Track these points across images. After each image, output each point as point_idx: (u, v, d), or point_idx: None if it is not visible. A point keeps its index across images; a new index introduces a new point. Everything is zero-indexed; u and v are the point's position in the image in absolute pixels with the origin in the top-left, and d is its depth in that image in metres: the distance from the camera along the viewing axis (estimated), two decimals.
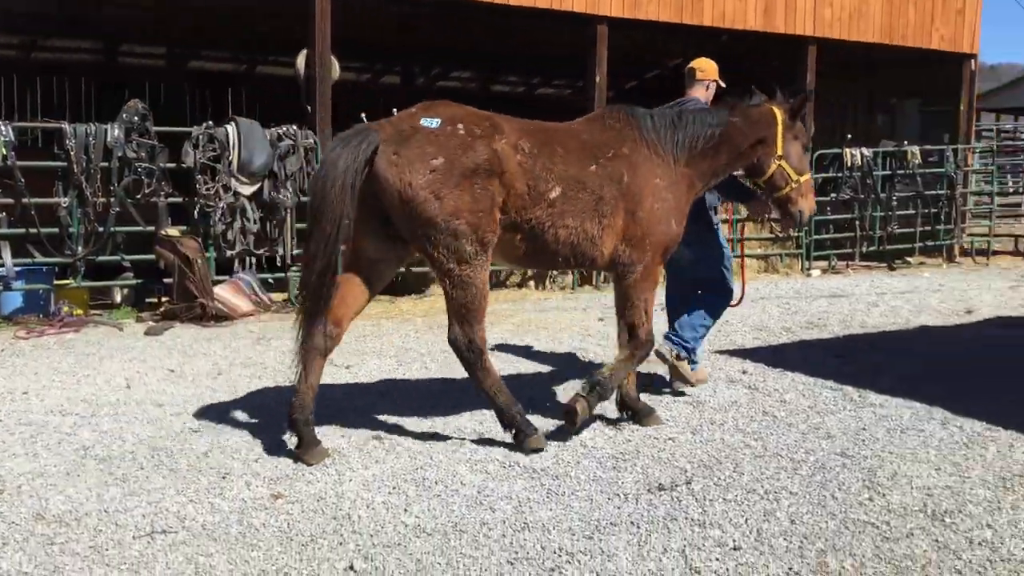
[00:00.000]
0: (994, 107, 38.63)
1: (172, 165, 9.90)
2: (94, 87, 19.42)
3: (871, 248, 15.07)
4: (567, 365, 7.55)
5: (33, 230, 9.31)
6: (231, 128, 10.04)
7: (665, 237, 5.54)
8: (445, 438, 5.48)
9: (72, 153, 9.26)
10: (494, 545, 4.00)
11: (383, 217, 5.04)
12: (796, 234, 13.72)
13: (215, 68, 20.56)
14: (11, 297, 9.35)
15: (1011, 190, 20.81)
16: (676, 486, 4.70)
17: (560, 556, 3.90)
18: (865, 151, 14.55)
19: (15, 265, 9.31)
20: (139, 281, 10.07)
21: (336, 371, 7.27)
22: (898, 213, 14.89)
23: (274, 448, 5.27)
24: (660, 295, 6.18)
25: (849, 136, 15.72)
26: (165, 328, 8.93)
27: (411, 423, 5.78)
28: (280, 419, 5.84)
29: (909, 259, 15.60)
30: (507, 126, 5.18)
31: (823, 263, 14.56)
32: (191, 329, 9.02)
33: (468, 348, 5.13)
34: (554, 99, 24.85)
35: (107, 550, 3.94)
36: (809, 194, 6.01)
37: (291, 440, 5.20)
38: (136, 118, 9.59)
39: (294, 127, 10.60)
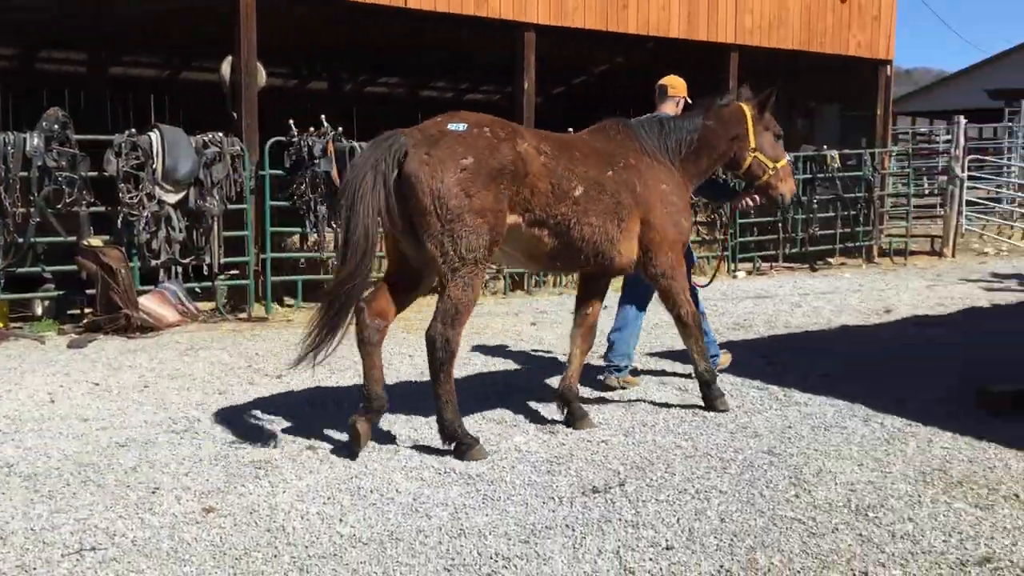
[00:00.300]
0: (910, 111, 39.84)
1: (94, 174, 9.68)
2: (11, 95, 18.86)
3: (794, 250, 15.43)
4: (501, 370, 7.59)
5: None
6: (155, 135, 9.86)
7: (679, 236, 5.98)
8: (380, 446, 5.47)
9: None
10: (431, 552, 4.02)
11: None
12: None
13: (137, 74, 20.16)
14: None
15: (926, 192, 21.44)
16: (610, 488, 4.77)
17: (496, 561, 3.93)
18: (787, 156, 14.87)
19: None
20: (61, 293, 9.82)
21: (267, 381, 7.20)
22: (819, 216, 15.26)
23: (205, 461, 5.21)
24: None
25: None
26: (88, 340, 8.74)
27: (345, 432, 5.75)
28: (209, 430, 5.78)
29: (830, 260, 16.02)
30: (526, 132, 5.51)
31: (748, 265, 14.86)
32: (115, 341, 8.84)
33: (443, 347, 5.16)
34: (483, 104, 24.91)
35: (35, 569, 3.85)
36: (788, 178, 6.54)
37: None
38: (56, 126, 9.35)
39: (220, 134, 10.45)
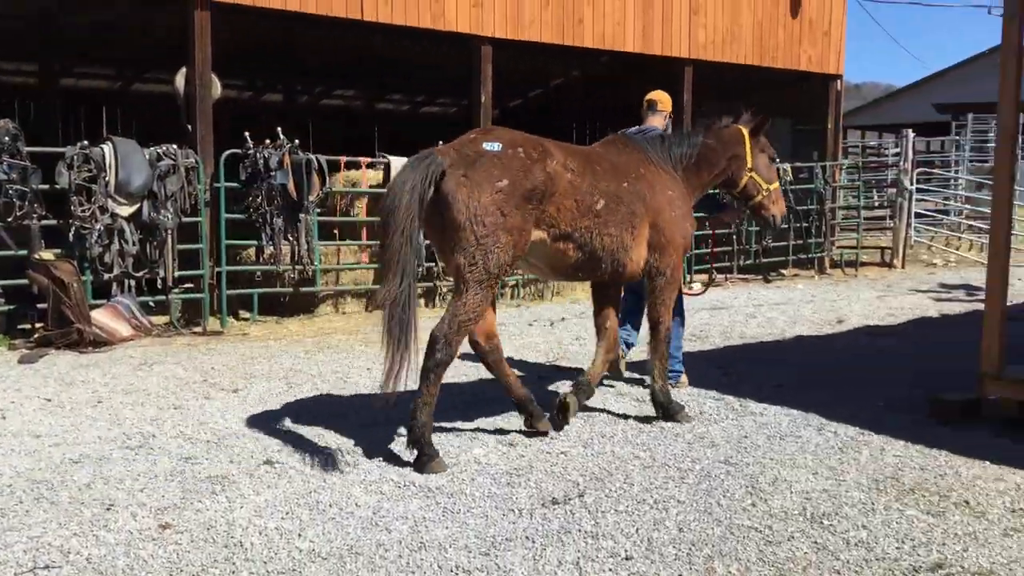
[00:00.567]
0: (859, 124, 40.55)
1: (45, 186, 9.54)
2: None
3: (748, 261, 15.64)
4: (458, 383, 7.58)
5: None
6: (107, 148, 9.75)
7: (683, 241, 6.28)
8: (339, 460, 5.44)
9: None
10: (391, 566, 4.01)
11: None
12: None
13: (89, 86, 19.89)
14: None
15: (876, 204, 21.83)
16: (569, 499, 4.80)
17: (457, 574, 3.93)
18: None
19: None
20: (11, 307, 9.65)
21: (224, 395, 7.13)
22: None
23: (160, 477, 5.15)
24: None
25: None
26: (40, 355, 8.60)
27: (303, 446, 5.72)
28: (164, 445, 5.72)
29: (783, 271, 16.25)
30: (555, 149, 5.70)
31: (703, 276, 15.02)
32: (67, 356, 8.70)
33: (444, 347, 5.28)
34: (439, 117, 24.95)
35: None
36: (780, 200, 6.93)
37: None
38: (6, 138, 9.20)
39: (174, 146, 10.36)
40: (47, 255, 9.36)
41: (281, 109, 21.69)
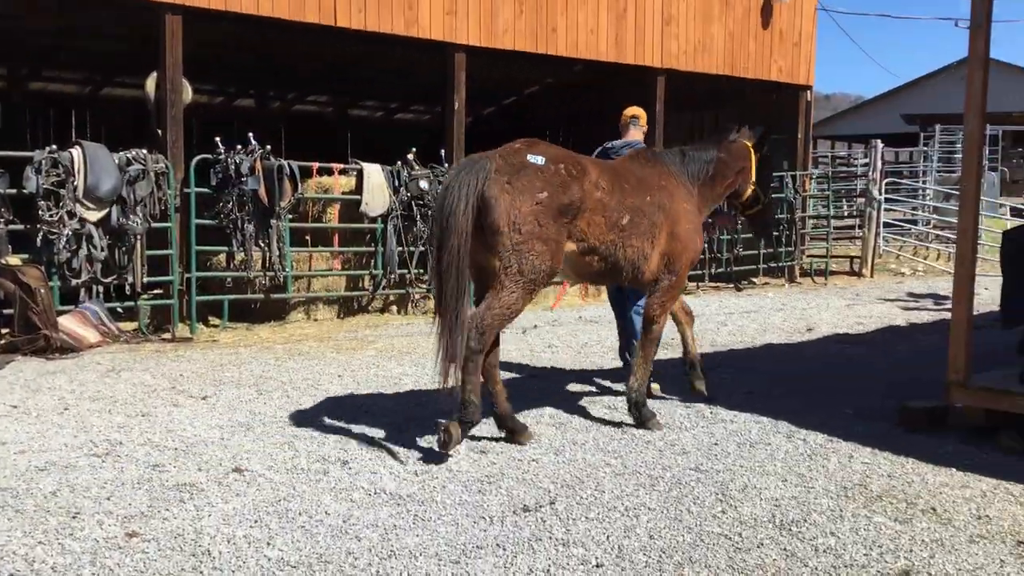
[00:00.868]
0: (829, 135, 40.97)
1: (12, 191, 9.43)
2: None
3: (719, 270, 15.73)
4: (432, 390, 7.56)
5: None
6: (76, 152, 9.66)
7: (695, 252, 6.61)
8: (309, 468, 5.41)
9: None
10: (360, 575, 3.99)
11: None
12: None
13: (58, 90, 19.69)
14: None
15: (845, 214, 22.04)
16: (540, 507, 4.79)
17: None
18: None
19: None
20: None
21: (193, 402, 7.07)
22: (743, 236, 15.58)
23: (127, 484, 5.09)
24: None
25: None
26: (6, 362, 8.48)
27: (273, 454, 5.69)
28: (132, 453, 5.66)
29: (754, 280, 16.36)
30: (591, 167, 6.02)
31: None
32: (34, 362, 8.59)
33: (478, 338, 5.56)
34: (413, 124, 24.93)
35: None
36: (770, 210, 7.39)
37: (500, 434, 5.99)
38: None
39: (144, 151, 10.28)
40: (14, 260, 9.26)
41: (253, 115, 21.61)
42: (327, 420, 6.51)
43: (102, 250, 9.76)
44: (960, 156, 21.65)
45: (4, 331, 9.35)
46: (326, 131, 23.08)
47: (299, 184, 11.24)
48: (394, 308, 12.39)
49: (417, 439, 6.03)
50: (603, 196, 5.95)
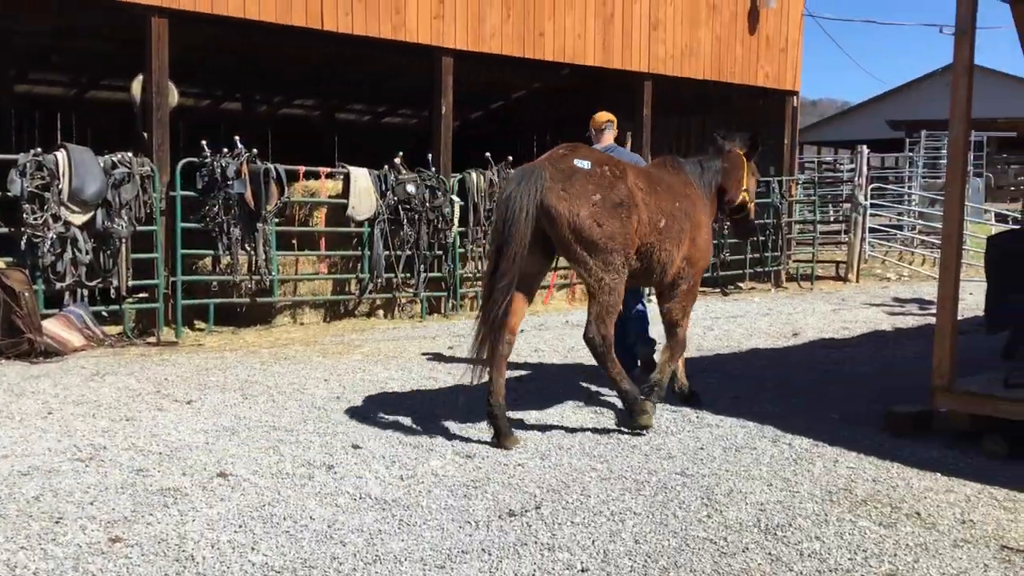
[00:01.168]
0: (815, 140, 41.12)
1: None
2: None
3: (705, 275, 15.72)
4: (418, 394, 7.56)
5: None
6: (61, 155, 9.61)
7: (708, 260, 7.08)
8: (294, 472, 5.39)
9: None
10: None
11: (542, 239, 6.01)
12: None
13: (44, 92, 19.60)
14: None
15: (831, 219, 22.14)
16: (526, 511, 4.79)
17: None
18: None
19: None
20: None
21: (177, 406, 7.04)
22: (729, 241, 15.62)
23: (111, 489, 5.06)
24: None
25: None
26: None
27: (258, 458, 5.66)
28: (115, 457, 5.63)
29: (740, 285, 16.41)
30: (628, 170, 6.36)
31: None
32: (17, 366, 8.54)
33: (601, 344, 6.03)
34: (400, 127, 24.91)
35: None
36: (758, 214, 7.62)
37: (488, 432, 6.10)
38: None
39: (129, 154, 10.23)
40: None
41: (240, 118, 21.55)
42: (312, 424, 6.49)
43: (87, 253, 9.71)
44: (945, 162, 21.78)
45: None
46: (313, 135, 23.04)
47: (286, 188, 11.21)
48: (381, 312, 12.37)
49: (403, 443, 6.01)
50: (645, 197, 6.26)
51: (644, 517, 4.72)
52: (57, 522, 4.56)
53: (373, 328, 11.50)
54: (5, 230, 9.48)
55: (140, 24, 10.97)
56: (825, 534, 4.53)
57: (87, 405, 7.06)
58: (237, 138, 11.00)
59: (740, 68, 16.89)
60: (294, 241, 11.95)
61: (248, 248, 10.82)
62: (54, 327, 9.28)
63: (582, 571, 4.08)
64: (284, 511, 4.75)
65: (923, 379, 6.53)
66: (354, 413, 6.82)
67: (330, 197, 11.93)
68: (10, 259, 9.42)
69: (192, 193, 10.69)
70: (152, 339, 10.12)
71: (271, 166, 10.94)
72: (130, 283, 10.13)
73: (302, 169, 11.80)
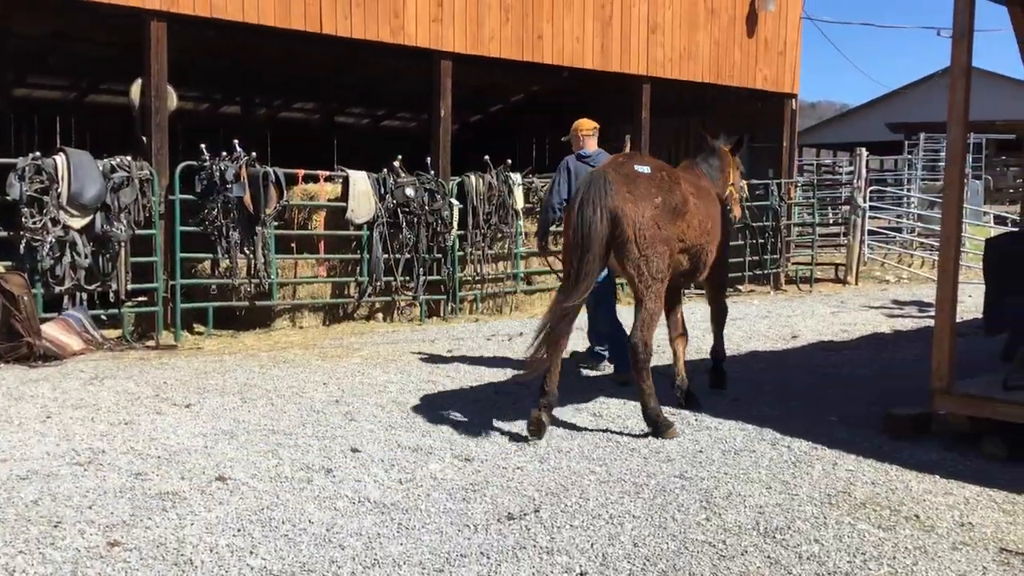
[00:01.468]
0: (814, 143, 41.13)
1: None
2: None
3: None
4: (416, 398, 7.55)
5: None
6: (60, 159, 9.60)
7: (727, 255, 7.53)
8: (292, 476, 5.39)
9: None
10: None
11: (605, 244, 6.14)
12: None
13: (43, 96, 19.60)
14: None
15: (830, 221, 22.13)
16: (525, 515, 4.79)
17: None
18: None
19: None
20: None
21: (176, 410, 7.04)
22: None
23: (110, 493, 5.06)
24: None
25: None
26: None
27: (256, 462, 5.66)
28: (114, 461, 5.63)
29: (739, 287, 16.40)
30: (679, 175, 6.71)
31: None
32: (16, 370, 8.53)
33: (644, 350, 6.19)
34: (399, 131, 24.91)
35: None
36: (737, 205, 8.09)
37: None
38: None
39: (128, 158, 10.23)
40: None
41: (239, 121, 21.50)
42: (311, 428, 6.49)
43: (86, 257, 9.70)
44: (944, 164, 21.80)
45: None
46: (312, 138, 23.02)
47: (284, 191, 11.20)
48: (380, 315, 12.36)
49: (402, 446, 6.01)
50: (695, 200, 6.57)
51: (643, 520, 4.72)
52: (56, 526, 4.56)
53: (372, 331, 11.50)
54: (4, 234, 9.47)
55: (139, 28, 10.97)
56: (824, 537, 4.53)
57: (86, 409, 7.06)
58: (236, 142, 11.00)
59: (738, 71, 16.90)
60: (293, 244, 11.94)
61: (247, 251, 10.81)
62: (53, 331, 9.27)
63: (581, 574, 4.08)
64: (283, 515, 4.75)
65: (922, 381, 6.53)
66: (353, 417, 6.82)
67: (329, 200, 11.93)
68: (9, 263, 9.41)
69: (191, 197, 10.69)
70: (151, 343, 10.11)
71: (270, 169, 10.93)
72: (129, 287, 10.12)
73: (301, 172, 11.79)
